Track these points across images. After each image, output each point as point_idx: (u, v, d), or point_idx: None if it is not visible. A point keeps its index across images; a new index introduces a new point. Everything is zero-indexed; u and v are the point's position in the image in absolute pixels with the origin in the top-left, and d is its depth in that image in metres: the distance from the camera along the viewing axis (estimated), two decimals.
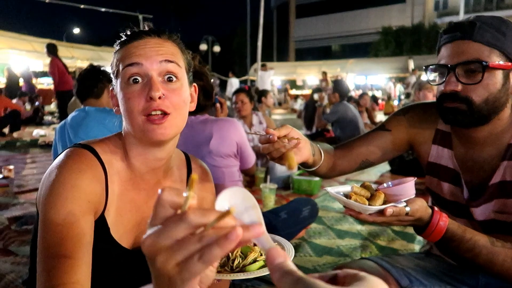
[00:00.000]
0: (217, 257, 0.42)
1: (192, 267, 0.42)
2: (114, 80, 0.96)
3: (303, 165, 1.20)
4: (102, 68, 2.50)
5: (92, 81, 2.41)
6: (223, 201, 0.48)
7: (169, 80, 0.91)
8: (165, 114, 0.88)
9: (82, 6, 14.87)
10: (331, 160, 1.30)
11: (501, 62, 1.04)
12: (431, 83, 1.22)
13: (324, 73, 14.56)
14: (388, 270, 1.18)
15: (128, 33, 0.95)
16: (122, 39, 0.95)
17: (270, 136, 1.00)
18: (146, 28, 0.96)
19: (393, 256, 1.30)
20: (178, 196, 0.46)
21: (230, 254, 0.86)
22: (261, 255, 0.87)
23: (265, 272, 0.83)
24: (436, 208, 1.03)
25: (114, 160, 0.96)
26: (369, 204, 0.98)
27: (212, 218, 0.43)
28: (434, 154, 1.26)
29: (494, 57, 1.04)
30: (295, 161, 0.98)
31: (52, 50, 7.60)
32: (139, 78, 0.89)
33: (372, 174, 4.65)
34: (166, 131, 0.89)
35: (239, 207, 0.48)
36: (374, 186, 1.08)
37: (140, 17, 17.15)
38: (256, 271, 0.83)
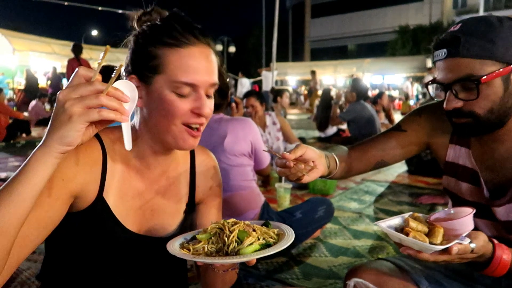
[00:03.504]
0: (110, 118, 0.73)
1: (91, 114, 0.71)
2: (147, 71, 0.91)
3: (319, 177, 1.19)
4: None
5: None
6: (119, 84, 0.78)
7: (209, 96, 0.96)
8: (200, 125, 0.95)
9: (100, 8, 15.12)
10: (346, 164, 1.30)
11: (496, 70, 0.98)
12: (436, 99, 1.21)
13: (313, 72, 14.54)
14: (407, 271, 1.15)
15: (179, 29, 0.91)
16: (172, 35, 0.90)
17: (287, 162, 1.00)
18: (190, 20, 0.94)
19: (411, 256, 1.27)
20: (90, 72, 0.74)
21: (226, 239, 0.84)
22: (258, 239, 0.85)
23: (259, 255, 0.81)
24: (495, 241, 0.98)
25: (121, 147, 0.96)
26: (429, 242, 0.90)
27: (106, 87, 0.72)
28: (451, 154, 1.23)
29: (486, 67, 0.98)
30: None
31: (74, 50, 7.68)
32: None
33: (388, 174, 4.59)
34: (197, 142, 0.96)
35: (129, 94, 0.78)
36: (421, 215, 1.00)
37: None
38: (250, 254, 0.81)
